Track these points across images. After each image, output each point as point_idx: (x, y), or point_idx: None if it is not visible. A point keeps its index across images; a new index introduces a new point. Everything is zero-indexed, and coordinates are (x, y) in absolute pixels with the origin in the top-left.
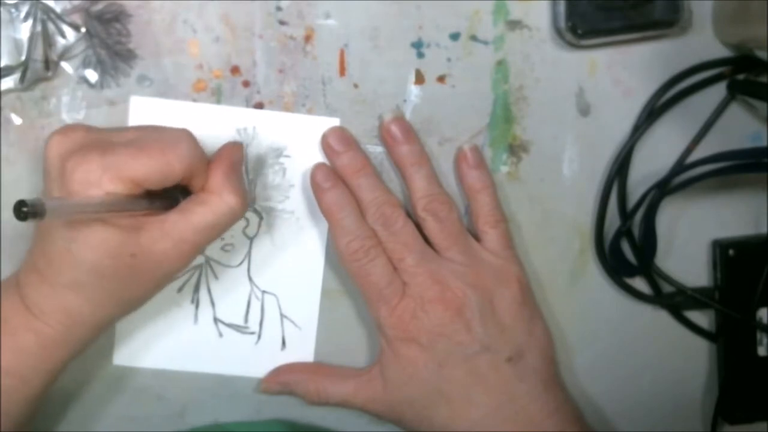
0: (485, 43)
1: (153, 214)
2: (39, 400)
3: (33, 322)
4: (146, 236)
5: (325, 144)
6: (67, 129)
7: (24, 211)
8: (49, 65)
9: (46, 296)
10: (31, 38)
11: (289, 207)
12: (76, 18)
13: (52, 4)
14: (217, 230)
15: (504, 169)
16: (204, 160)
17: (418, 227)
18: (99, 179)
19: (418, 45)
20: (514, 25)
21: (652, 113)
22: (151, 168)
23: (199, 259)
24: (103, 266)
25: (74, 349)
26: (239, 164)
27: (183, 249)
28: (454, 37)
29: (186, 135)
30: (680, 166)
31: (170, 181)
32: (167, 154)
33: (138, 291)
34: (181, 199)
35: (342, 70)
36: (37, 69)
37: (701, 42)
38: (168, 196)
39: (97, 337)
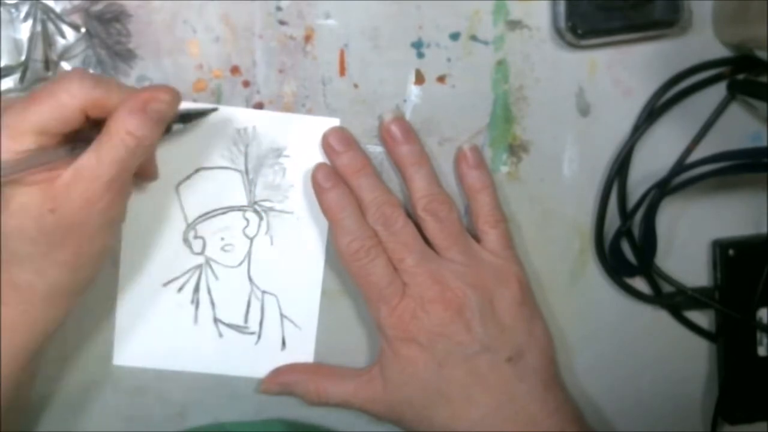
0: (485, 43)
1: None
2: (16, 389)
3: None
4: (61, 185)
5: (326, 144)
6: None
7: None
8: (49, 65)
9: None
10: (31, 38)
11: (289, 207)
12: (76, 18)
13: (52, 4)
14: (127, 161)
15: (504, 169)
16: (110, 89)
17: (418, 227)
18: (1, 140)
19: (418, 45)
20: (514, 25)
21: (652, 113)
22: (45, 113)
23: (199, 259)
24: (27, 230)
25: (38, 331)
26: (160, 106)
27: (97, 187)
28: (454, 37)
29: (75, 72)
30: (680, 166)
31: (72, 119)
32: (57, 95)
33: (73, 249)
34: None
35: (342, 70)
36: (37, 69)
37: (701, 42)
38: (91, 140)
39: (64, 312)
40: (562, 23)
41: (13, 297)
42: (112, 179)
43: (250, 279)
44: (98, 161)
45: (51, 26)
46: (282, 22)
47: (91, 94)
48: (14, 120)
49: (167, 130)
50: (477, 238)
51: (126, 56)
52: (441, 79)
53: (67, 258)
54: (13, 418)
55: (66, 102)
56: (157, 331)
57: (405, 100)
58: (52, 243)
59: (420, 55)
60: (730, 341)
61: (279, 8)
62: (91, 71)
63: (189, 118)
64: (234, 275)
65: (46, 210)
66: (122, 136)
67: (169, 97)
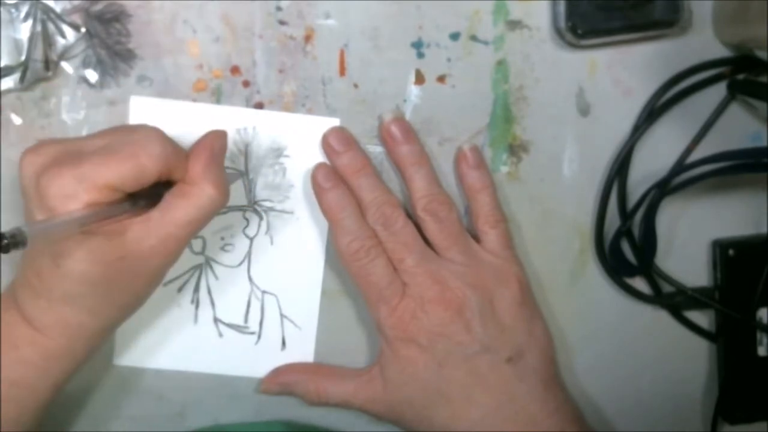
0: (485, 43)
1: (138, 214)
2: (44, 412)
3: (35, 335)
4: (131, 238)
5: (326, 144)
6: (37, 146)
7: (5, 243)
8: (49, 65)
9: (43, 311)
10: (31, 38)
11: (289, 207)
12: (76, 18)
13: (52, 4)
14: (201, 222)
15: (504, 169)
16: (180, 154)
17: (418, 227)
18: (75, 191)
19: (418, 45)
20: (514, 25)
21: (652, 113)
22: (125, 172)
23: (199, 259)
24: (93, 275)
25: (79, 359)
26: (221, 154)
27: (169, 245)
28: (454, 37)
29: (156, 133)
30: (680, 166)
31: (146, 181)
32: (139, 156)
33: (133, 292)
34: (164, 192)
35: (342, 70)
36: (37, 69)
37: (701, 42)
38: (152, 194)
39: (101, 345)
40: (562, 23)
41: (61, 333)
42: (184, 237)
43: (250, 279)
44: (173, 220)
45: (51, 26)
46: (282, 22)
47: (170, 159)
48: (92, 174)
49: None
50: (477, 238)
51: (126, 56)
52: (441, 79)
53: (123, 301)
54: None
55: (146, 164)
56: (157, 331)
57: (405, 100)
58: (113, 288)
59: (420, 55)
60: (730, 341)
61: (279, 8)
62: (93, 72)
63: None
64: (234, 275)
65: (115, 258)
66: (198, 196)
67: (222, 133)
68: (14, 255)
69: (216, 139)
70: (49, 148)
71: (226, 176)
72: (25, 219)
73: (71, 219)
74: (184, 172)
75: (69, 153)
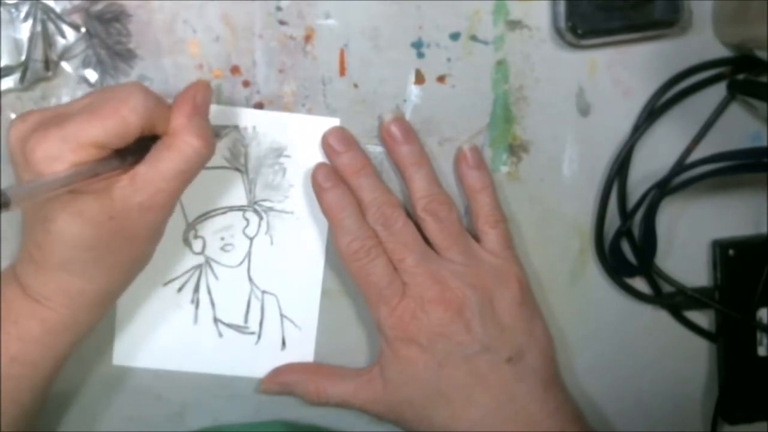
0: (485, 43)
1: (126, 170)
2: (48, 386)
3: (37, 309)
4: (120, 195)
5: (326, 144)
6: (23, 114)
7: None
8: (49, 65)
9: (44, 282)
10: (31, 38)
11: (289, 207)
12: (76, 18)
13: (52, 4)
14: (187, 175)
15: (504, 169)
16: (163, 107)
17: (418, 227)
18: (61, 152)
19: (418, 45)
20: (514, 25)
21: (652, 113)
22: (108, 128)
23: (199, 259)
24: (84, 237)
25: (81, 330)
26: (204, 105)
27: (158, 199)
28: (454, 37)
29: (136, 87)
30: (680, 166)
31: (131, 135)
32: (120, 110)
33: (130, 253)
34: (151, 145)
35: (342, 70)
36: (37, 69)
37: (701, 42)
38: (138, 149)
39: (102, 315)
40: (562, 23)
41: (61, 303)
42: (173, 190)
43: (250, 279)
44: (159, 173)
45: (51, 26)
46: (282, 22)
47: (153, 111)
48: (75, 132)
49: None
50: (477, 238)
51: (126, 56)
52: (441, 79)
53: (118, 263)
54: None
55: (129, 118)
56: (157, 331)
57: (405, 100)
58: (107, 249)
59: (420, 55)
60: (730, 341)
61: (279, 8)
62: (93, 72)
63: (218, 132)
64: (234, 275)
65: (106, 218)
66: (182, 148)
67: (204, 84)
68: (16, 245)
69: (198, 90)
70: (34, 115)
71: (210, 127)
72: None
73: (55, 178)
74: (168, 125)
75: (54, 116)
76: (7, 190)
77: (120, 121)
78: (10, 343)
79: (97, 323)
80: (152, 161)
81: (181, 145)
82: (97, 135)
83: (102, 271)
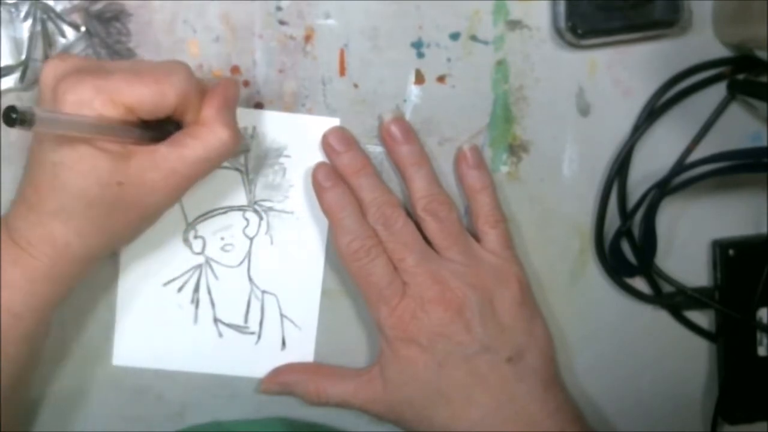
0: (485, 43)
1: (143, 144)
2: (35, 341)
3: (19, 254)
4: (135, 165)
5: (326, 144)
6: (64, 54)
7: (13, 117)
8: None
9: (32, 226)
10: (31, 38)
11: (289, 207)
12: (76, 17)
13: (51, 3)
14: (208, 164)
15: (504, 169)
16: (198, 94)
17: (418, 227)
18: (91, 101)
19: (418, 45)
20: (514, 25)
21: (652, 113)
22: (145, 95)
23: (199, 259)
24: (90, 193)
25: (63, 284)
26: (234, 100)
27: (172, 181)
28: (454, 37)
29: (182, 66)
30: (680, 166)
31: (164, 110)
32: (162, 83)
33: (124, 223)
34: (173, 133)
35: (342, 70)
36: (37, 69)
37: (701, 42)
38: (160, 129)
39: (85, 273)
40: (562, 23)
41: (45, 252)
42: (188, 176)
43: (250, 279)
44: (180, 156)
45: (51, 25)
46: (282, 22)
47: (190, 95)
48: (112, 88)
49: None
50: (477, 238)
51: (126, 55)
52: (441, 79)
53: (113, 229)
54: (22, 395)
55: (167, 93)
56: (157, 331)
57: (405, 100)
58: (107, 212)
59: (420, 55)
60: (730, 341)
61: (279, 8)
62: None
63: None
64: (234, 275)
65: (115, 182)
66: (208, 138)
67: (234, 82)
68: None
69: (229, 87)
70: (74, 58)
71: (236, 123)
72: None
73: (83, 121)
74: (197, 115)
75: (94, 67)
76: (34, 109)
77: (158, 91)
78: None
79: (76, 282)
80: (175, 144)
81: (207, 134)
82: (133, 97)
83: (92, 231)
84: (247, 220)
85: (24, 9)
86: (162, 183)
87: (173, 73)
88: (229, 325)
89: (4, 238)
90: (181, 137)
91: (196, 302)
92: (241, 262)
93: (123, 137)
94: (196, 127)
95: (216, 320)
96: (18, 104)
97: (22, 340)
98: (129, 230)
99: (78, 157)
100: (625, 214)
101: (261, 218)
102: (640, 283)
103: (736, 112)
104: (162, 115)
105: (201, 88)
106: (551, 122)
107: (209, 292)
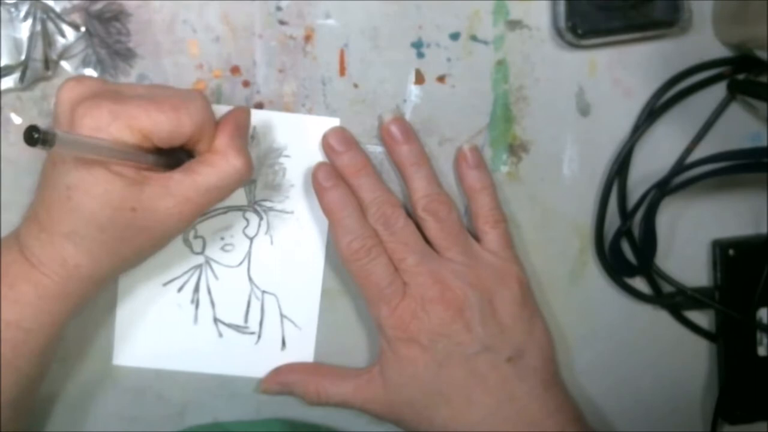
0: (485, 43)
1: (158, 170)
2: (45, 356)
3: (31, 272)
4: (149, 191)
5: (326, 144)
6: (81, 77)
7: (35, 137)
8: (49, 65)
9: (43, 246)
10: (31, 38)
11: (289, 207)
12: (76, 17)
13: (51, 3)
14: (221, 192)
15: (504, 169)
16: (212, 124)
17: (419, 227)
18: (108, 126)
19: (418, 45)
20: (514, 25)
21: (652, 113)
22: (162, 122)
23: (199, 259)
24: (102, 217)
25: (72, 303)
26: (245, 128)
27: (185, 209)
28: (454, 37)
29: (199, 95)
30: (680, 166)
31: (178, 138)
32: (179, 111)
33: (136, 247)
34: (186, 161)
35: (342, 70)
36: (37, 68)
37: (701, 42)
38: (173, 156)
39: (94, 293)
40: (562, 23)
41: (56, 271)
42: (201, 203)
43: (250, 279)
44: (194, 184)
45: (51, 25)
46: (282, 22)
47: (205, 125)
48: (129, 114)
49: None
50: (477, 238)
51: (126, 55)
52: (441, 79)
53: (123, 252)
54: (29, 405)
55: (184, 122)
56: (157, 331)
57: (405, 100)
58: (118, 236)
59: (420, 55)
60: (730, 341)
61: (279, 8)
62: (93, 71)
63: None
64: (234, 275)
65: (128, 207)
66: (222, 166)
67: (245, 109)
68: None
69: (240, 114)
70: (91, 81)
71: (248, 150)
72: None
73: (100, 144)
74: (210, 144)
75: (110, 91)
76: (56, 131)
77: (175, 119)
78: (6, 307)
79: (89, 301)
80: (189, 172)
81: (220, 162)
82: (150, 124)
83: (103, 254)
84: (247, 220)
85: (24, 9)
86: (174, 210)
87: (190, 102)
88: (229, 325)
89: (17, 256)
90: (195, 165)
91: (196, 302)
92: (241, 262)
93: (140, 162)
94: (209, 155)
95: (216, 320)
96: (39, 124)
97: (32, 355)
98: (139, 254)
99: (93, 180)
100: (625, 214)
101: (261, 218)
102: (640, 283)
103: (736, 112)
104: (176, 144)
105: (214, 121)
106: (551, 122)
107: (209, 292)
